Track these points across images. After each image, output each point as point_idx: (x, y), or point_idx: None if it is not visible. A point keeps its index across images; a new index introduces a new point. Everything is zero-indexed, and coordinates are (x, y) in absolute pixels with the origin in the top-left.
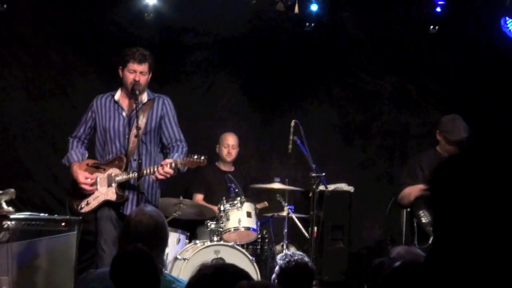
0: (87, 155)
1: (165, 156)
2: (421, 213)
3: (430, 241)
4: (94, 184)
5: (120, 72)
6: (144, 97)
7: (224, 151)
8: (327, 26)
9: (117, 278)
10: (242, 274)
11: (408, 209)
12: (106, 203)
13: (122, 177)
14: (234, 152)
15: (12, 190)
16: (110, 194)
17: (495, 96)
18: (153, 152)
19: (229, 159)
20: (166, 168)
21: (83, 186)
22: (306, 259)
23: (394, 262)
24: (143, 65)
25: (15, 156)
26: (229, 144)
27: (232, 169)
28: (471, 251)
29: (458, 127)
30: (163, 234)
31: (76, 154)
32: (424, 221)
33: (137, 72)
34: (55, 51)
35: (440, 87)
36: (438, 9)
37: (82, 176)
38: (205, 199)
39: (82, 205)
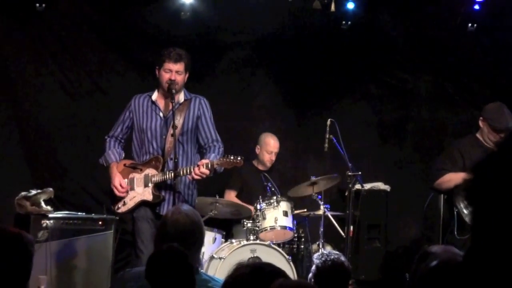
0: (123, 155)
1: (202, 156)
2: (463, 203)
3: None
4: (128, 190)
5: (157, 72)
6: (181, 97)
7: (267, 157)
8: (363, 24)
9: (152, 278)
10: (279, 273)
11: (445, 196)
12: (143, 203)
13: (158, 177)
14: (275, 157)
15: (51, 189)
16: (147, 194)
17: None
18: (189, 153)
19: (270, 164)
20: (202, 168)
21: (115, 190)
22: (343, 258)
23: (432, 260)
24: (178, 64)
25: (53, 155)
26: (272, 151)
27: (269, 167)
28: None
29: (504, 115)
30: (199, 233)
31: (114, 154)
32: (465, 211)
33: (173, 71)
34: (92, 50)
35: (478, 85)
36: (476, 7)
37: (117, 180)
38: (238, 196)
39: (119, 205)
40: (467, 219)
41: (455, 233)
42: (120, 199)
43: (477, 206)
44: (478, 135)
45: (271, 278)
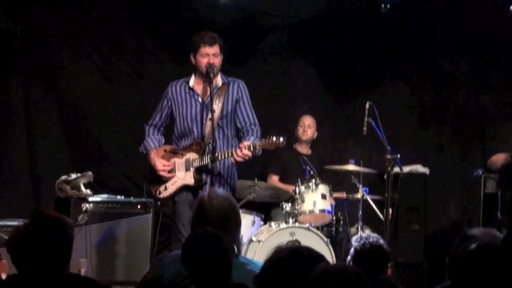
0: (163, 141)
1: (240, 140)
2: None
3: None
4: (172, 170)
5: (192, 59)
6: (219, 81)
7: (300, 130)
8: (403, 8)
9: (188, 262)
10: (318, 257)
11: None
12: (184, 188)
13: (199, 161)
14: (310, 132)
15: (90, 173)
16: (188, 178)
17: None
18: (229, 136)
19: (304, 137)
20: (244, 150)
21: (162, 173)
22: (382, 241)
23: (471, 243)
24: (214, 47)
25: (93, 139)
26: (305, 123)
27: (309, 152)
28: None
29: None
30: (237, 215)
31: (153, 141)
32: (509, 193)
33: (210, 54)
34: (130, 36)
35: None
36: None
37: (160, 163)
38: (280, 180)
39: (161, 190)
40: None
41: (499, 214)
42: (161, 183)
43: None
44: None
45: (309, 261)
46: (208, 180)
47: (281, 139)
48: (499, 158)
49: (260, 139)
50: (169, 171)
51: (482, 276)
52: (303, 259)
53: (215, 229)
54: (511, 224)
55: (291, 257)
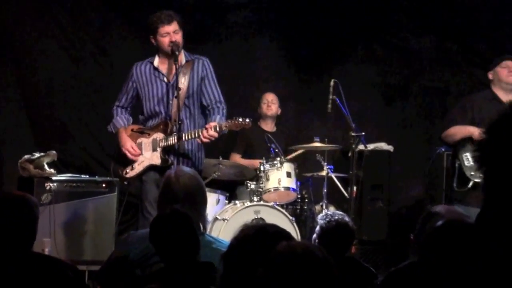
0: (131, 121)
1: (206, 118)
2: (465, 155)
3: (469, 185)
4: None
5: (153, 40)
6: (183, 59)
7: (264, 107)
8: None
9: (157, 240)
10: (284, 234)
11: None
12: (151, 168)
13: (166, 141)
14: (274, 107)
15: (54, 152)
16: (155, 158)
17: None
18: (196, 115)
19: (269, 113)
20: (210, 131)
21: (128, 154)
22: (347, 218)
23: (437, 221)
24: (172, 24)
25: (57, 118)
26: (268, 99)
27: (274, 129)
28: None
29: (505, 55)
30: (205, 193)
31: (122, 120)
32: (466, 164)
33: (170, 32)
34: (95, 13)
35: (482, 46)
36: None
37: (129, 144)
38: (243, 158)
39: (127, 170)
40: (467, 172)
41: (454, 185)
42: (128, 164)
43: (490, 166)
44: (492, 88)
45: (275, 239)
46: (175, 161)
47: (247, 120)
48: (457, 131)
49: (226, 117)
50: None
51: (450, 252)
52: (269, 236)
53: (182, 208)
54: (484, 200)
55: (256, 235)
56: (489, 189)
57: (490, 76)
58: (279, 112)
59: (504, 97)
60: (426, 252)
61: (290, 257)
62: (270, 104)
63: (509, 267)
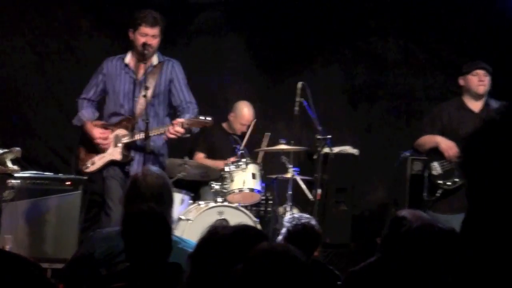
0: (97, 114)
1: (172, 119)
2: (433, 165)
3: (438, 194)
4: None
5: (131, 35)
6: (154, 60)
7: (239, 127)
8: None
9: (130, 238)
10: (263, 236)
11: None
12: (112, 163)
13: (128, 137)
14: (246, 128)
15: (18, 148)
16: (116, 154)
17: (505, 59)
18: (161, 115)
19: (240, 133)
20: (176, 127)
21: (99, 141)
22: (313, 222)
23: (403, 225)
24: (154, 28)
25: (21, 114)
26: (245, 124)
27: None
28: (508, 219)
29: (476, 61)
30: (171, 193)
31: (88, 113)
32: (434, 173)
33: (149, 35)
34: (62, 10)
35: (446, 50)
36: None
37: (97, 132)
38: (207, 158)
39: (88, 165)
40: (436, 181)
41: (425, 194)
42: (88, 157)
43: (471, 176)
44: (463, 97)
45: (255, 240)
46: (137, 157)
47: (208, 118)
48: (426, 140)
49: (197, 116)
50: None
51: (425, 254)
52: (249, 237)
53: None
54: (469, 206)
55: (235, 235)
56: (472, 196)
57: (461, 82)
58: None
59: (473, 105)
60: (395, 255)
61: (271, 256)
62: (245, 128)
63: (494, 271)
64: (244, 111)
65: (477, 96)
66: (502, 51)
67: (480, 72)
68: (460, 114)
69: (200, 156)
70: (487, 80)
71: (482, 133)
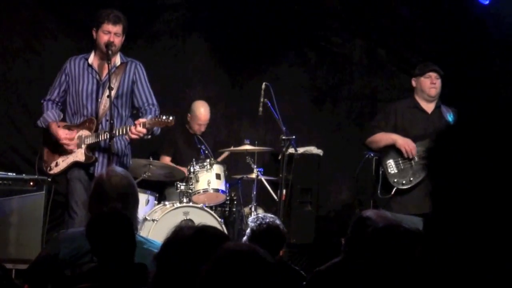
0: (62, 116)
1: (136, 120)
2: (388, 163)
3: (392, 192)
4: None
5: (94, 33)
6: (117, 60)
7: (196, 127)
8: None
9: (95, 239)
10: (223, 236)
11: (376, 156)
12: (76, 164)
13: (91, 138)
14: (204, 127)
15: None
16: (79, 155)
17: (467, 61)
18: (124, 116)
19: (199, 133)
20: (139, 127)
21: (65, 141)
22: (278, 221)
23: (370, 226)
24: (117, 26)
25: None
26: (202, 124)
27: (201, 131)
28: (474, 222)
29: (429, 63)
30: (136, 194)
31: (53, 114)
32: (390, 171)
33: (112, 33)
34: (25, 10)
35: (409, 51)
36: None
37: (63, 133)
38: (173, 161)
39: (52, 166)
40: (391, 179)
41: (378, 192)
42: (52, 159)
43: (438, 175)
44: (415, 96)
45: (215, 240)
46: (101, 158)
47: (170, 118)
48: (381, 138)
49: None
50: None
51: (389, 254)
52: (209, 238)
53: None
54: (433, 208)
55: (196, 236)
56: (436, 198)
57: (413, 83)
58: None
59: (425, 106)
60: (360, 254)
61: (238, 256)
62: (203, 127)
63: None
64: (200, 111)
65: (428, 98)
66: (465, 54)
67: (432, 74)
68: (413, 114)
69: (166, 160)
70: (438, 82)
71: (451, 131)
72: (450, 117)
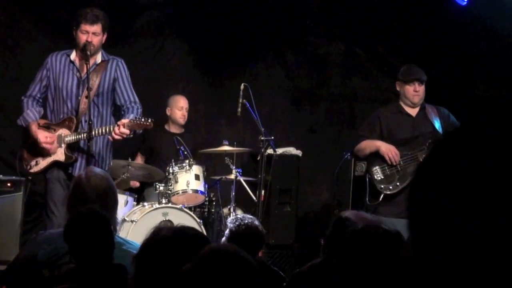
0: (42, 112)
1: (118, 119)
2: (375, 169)
3: (380, 199)
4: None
5: (74, 32)
6: (98, 58)
7: (178, 114)
8: None
9: (72, 240)
10: (201, 237)
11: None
12: (55, 164)
13: (71, 137)
14: (186, 114)
15: None
16: (59, 154)
17: (445, 61)
18: (104, 115)
19: (183, 121)
20: (122, 128)
21: (45, 145)
22: (257, 222)
23: (347, 226)
24: (95, 26)
25: None
26: (183, 107)
27: (182, 131)
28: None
29: (413, 68)
30: (116, 194)
31: (33, 113)
32: (376, 177)
33: (90, 33)
34: (2, 10)
35: (389, 52)
36: None
37: (42, 136)
38: (150, 160)
39: (32, 165)
40: (378, 186)
41: (367, 199)
42: (33, 158)
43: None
44: (399, 102)
45: (193, 241)
46: (80, 158)
47: (149, 120)
48: (366, 145)
49: (141, 115)
50: (52, 143)
51: (369, 255)
52: (187, 238)
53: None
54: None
55: (175, 237)
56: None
57: (398, 87)
58: None
59: (410, 110)
60: (339, 255)
61: (221, 255)
62: (185, 112)
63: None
64: (177, 97)
65: (412, 105)
66: (446, 56)
67: (416, 83)
68: (398, 119)
69: (139, 159)
70: (421, 89)
71: (432, 160)
72: (436, 121)
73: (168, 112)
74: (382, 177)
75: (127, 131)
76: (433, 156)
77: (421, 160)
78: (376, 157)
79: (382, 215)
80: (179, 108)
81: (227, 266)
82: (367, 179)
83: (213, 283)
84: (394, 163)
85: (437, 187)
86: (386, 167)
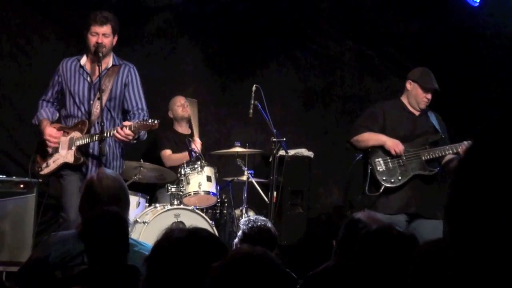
0: (57, 115)
1: None
2: (377, 161)
3: (381, 190)
4: (58, 142)
5: (85, 37)
6: (110, 62)
7: (180, 109)
8: None
9: (90, 240)
10: (214, 238)
11: (360, 155)
12: (67, 166)
13: (82, 140)
14: (188, 109)
15: None
16: (69, 156)
17: (458, 63)
18: (116, 119)
19: (186, 114)
20: (126, 130)
21: (47, 137)
22: (269, 224)
23: (360, 227)
24: (104, 27)
25: None
26: (182, 103)
27: (189, 131)
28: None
29: (431, 76)
30: (127, 196)
31: (46, 112)
32: (379, 169)
33: (100, 34)
34: (14, 12)
35: (402, 54)
36: None
37: (50, 130)
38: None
39: (42, 167)
40: (379, 177)
41: (366, 189)
42: (43, 160)
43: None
44: (402, 98)
45: (207, 243)
46: (90, 160)
47: (155, 121)
48: (370, 137)
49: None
50: (55, 141)
51: (383, 257)
52: (201, 240)
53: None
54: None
55: (188, 238)
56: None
57: (408, 86)
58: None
59: (412, 109)
60: (356, 256)
61: (250, 258)
62: (185, 106)
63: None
64: (174, 97)
65: (415, 105)
66: (455, 57)
67: (431, 92)
68: (400, 115)
69: (168, 153)
70: (430, 97)
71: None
72: (435, 123)
73: (170, 115)
74: (384, 169)
75: (131, 133)
76: (474, 154)
77: (424, 158)
78: (379, 149)
79: (378, 210)
80: (178, 105)
81: (255, 268)
82: (368, 170)
83: (240, 285)
84: (400, 158)
85: (480, 185)
86: (389, 160)
